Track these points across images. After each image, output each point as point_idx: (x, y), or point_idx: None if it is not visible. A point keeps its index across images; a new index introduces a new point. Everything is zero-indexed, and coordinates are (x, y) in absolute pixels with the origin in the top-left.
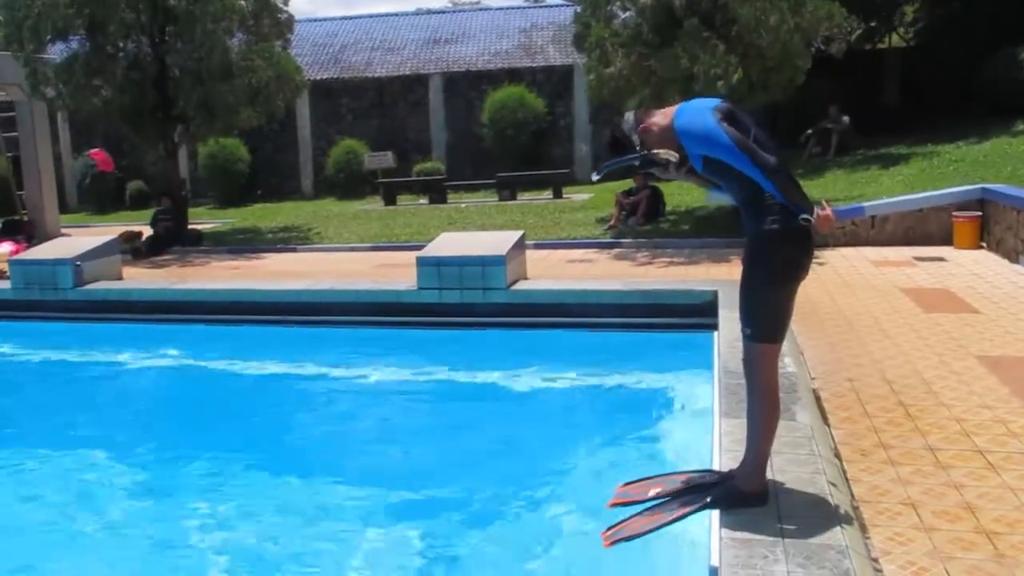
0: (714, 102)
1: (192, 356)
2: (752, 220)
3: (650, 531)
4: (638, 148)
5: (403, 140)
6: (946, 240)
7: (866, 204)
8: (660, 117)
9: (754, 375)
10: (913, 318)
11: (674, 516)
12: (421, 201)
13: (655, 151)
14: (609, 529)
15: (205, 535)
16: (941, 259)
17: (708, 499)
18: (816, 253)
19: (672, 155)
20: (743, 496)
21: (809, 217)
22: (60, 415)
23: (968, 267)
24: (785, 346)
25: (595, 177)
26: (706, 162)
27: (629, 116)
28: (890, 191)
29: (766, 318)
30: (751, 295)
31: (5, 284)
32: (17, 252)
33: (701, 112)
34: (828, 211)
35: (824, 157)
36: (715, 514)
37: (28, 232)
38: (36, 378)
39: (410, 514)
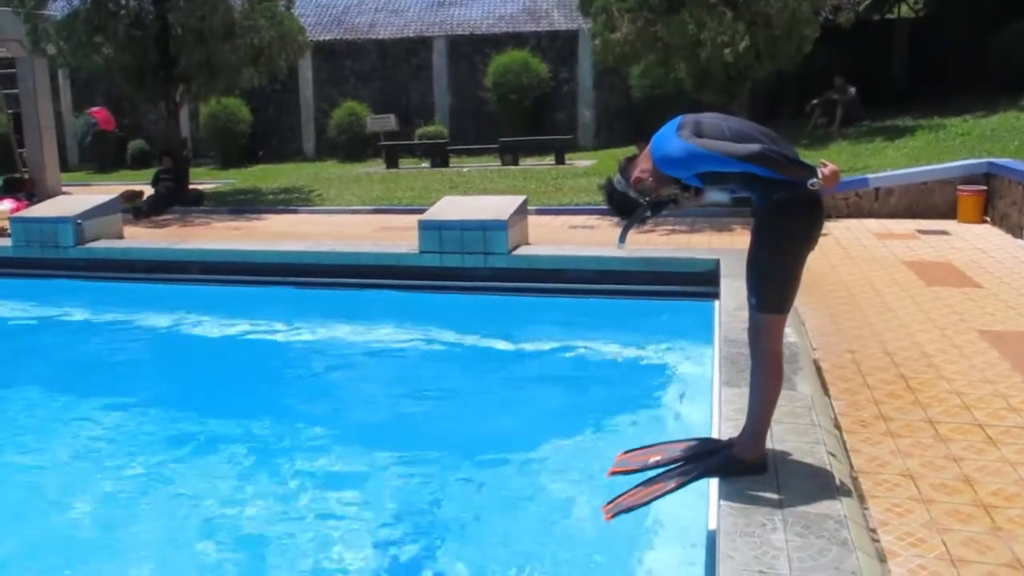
0: (675, 122)
1: (192, 316)
2: (760, 195)
3: (650, 502)
4: (642, 199)
5: (406, 103)
6: (950, 214)
7: (870, 176)
8: (643, 162)
9: (759, 345)
10: (915, 291)
11: (673, 485)
12: (423, 165)
13: (658, 194)
14: (610, 503)
15: (195, 494)
16: (945, 232)
17: (707, 467)
18: None
19: (674, 191)
20: (742, 465)
21: (816, 180)
22: (58, 372)
23: (972, 241)
24: None
25: (620, 246)
26: (701, 178)
27: (616, 178)
28: (895, 163)
29: (774, 288)
30: (759, 265)
31: (6, 242)
32: (18, 210)
33: (670, 139)
34: (830, 166)
35: (829, 128)
36: (714, 482)
37: (29, 190)
38: (36, 336)
39: (405, 476)
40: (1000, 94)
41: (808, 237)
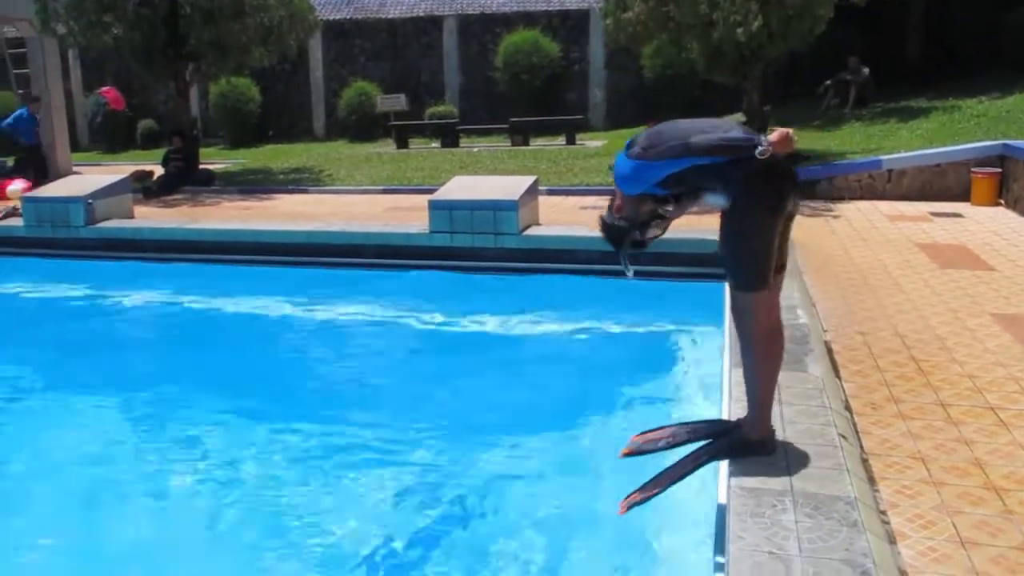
0: (625, 146)
1: (202, 295)
2: (720, 180)
3: (664, 490)
4: (626, 224)
5: (416, 83)
6: (964, 196)
7: (883, 157)
8: (617, 195)
9: (746, 326)
10: (927, 273)
11: (683, 471)
12: (433, 145)
13: (640, 215)
14: (624, 499)
15: (206, 473)
16: (958, 215)
17: (716, 450)
18: (831, 206)
19: (654, 205)
20: (750, 445)
21: (764, 147)
22: (69, 351)
23: (985, 224)
24: (797, 297)
25: (629, 275)
26: (667, 184)
27: (603, 216)
28: (908, 145)
29: (750, 266)
30: (732, 246)
31: (18, 221)
32: (29, 189)
33: (621, 161)
34: (778, 130)
35: (842, 109)
36: (724, 464)
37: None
38: (47, 314)
39: (412, 457)
40: (1016, 75)
41: (774, 208)
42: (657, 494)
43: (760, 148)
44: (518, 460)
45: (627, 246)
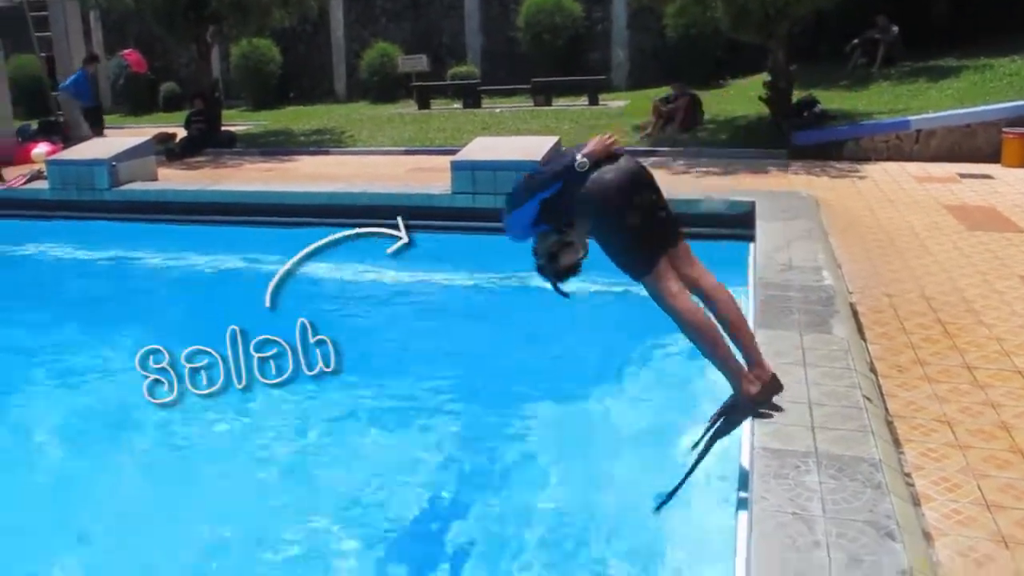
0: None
1: (226, 256)
2: (570, 200)
3: (691, 471)
4: (544, 261)
5: (437, 43)
6: (994, 157)
7: (912, 118)
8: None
9: (661, 302)
10: (956, 235)
11: (704, 447)
12: (455, 105)
13: (550, 248)
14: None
15: (227, 434)
16: (988, 176)
17: (726, 418)
18: (857, 167)
19: (557, 237)
20: (751, 400)
21: (581, 160)
22: (95, 313)
23: (1016, 186)
24: (822, 259)
25: (566, 297)
26: (539, 222)
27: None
28: (938, 105)
29: (629, 257)
30: (607, 247)
31: (43, 184)
32: (54, 152)
33: (504, 220)
34: (592, 140)
35: (869, 68)
36: (747, 425)
37: (64, 133)
38: (72, 277)
39: (431, 419)
40: None
41: (619, 205)
42: (685, 480)
43: (577, 162)
44: (536, 417)
45: (549, 277)
